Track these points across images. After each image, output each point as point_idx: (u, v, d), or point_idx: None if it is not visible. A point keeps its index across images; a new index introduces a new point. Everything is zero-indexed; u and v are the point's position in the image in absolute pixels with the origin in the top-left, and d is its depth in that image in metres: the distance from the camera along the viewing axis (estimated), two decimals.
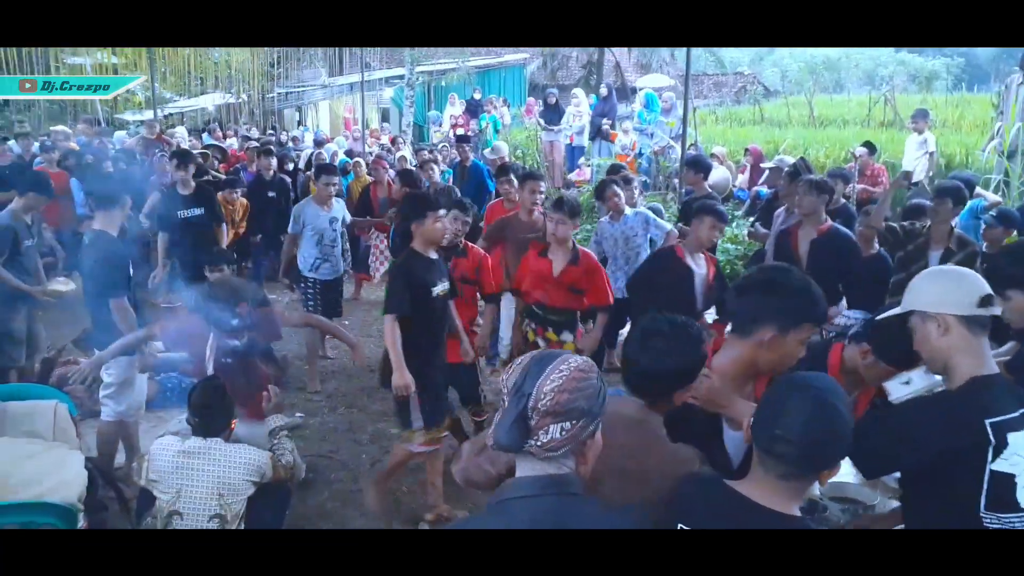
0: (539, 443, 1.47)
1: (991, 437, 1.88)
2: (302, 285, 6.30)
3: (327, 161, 11.21)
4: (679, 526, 1.64)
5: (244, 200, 8.14)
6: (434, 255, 4.11)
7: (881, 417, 2.18)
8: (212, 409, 3.38)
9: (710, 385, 2.02)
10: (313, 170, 7.21)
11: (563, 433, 1.48)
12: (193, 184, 6.58)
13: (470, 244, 4.98)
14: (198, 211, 6.46)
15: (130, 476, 3.56)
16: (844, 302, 5.00)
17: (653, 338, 1.99)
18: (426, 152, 10.74)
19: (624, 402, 2.01)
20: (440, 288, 4.04)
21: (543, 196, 5.57)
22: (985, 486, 1.89)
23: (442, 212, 4.08)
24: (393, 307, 3.85)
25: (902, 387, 2.39)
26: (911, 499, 2.12)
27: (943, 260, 4.70)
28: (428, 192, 6.71)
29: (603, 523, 1.48)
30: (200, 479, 3.23)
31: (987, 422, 1.89)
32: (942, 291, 2.01)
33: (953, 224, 4.97)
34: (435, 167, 8.53)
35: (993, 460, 1.89)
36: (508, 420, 1.47)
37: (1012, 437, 1.89)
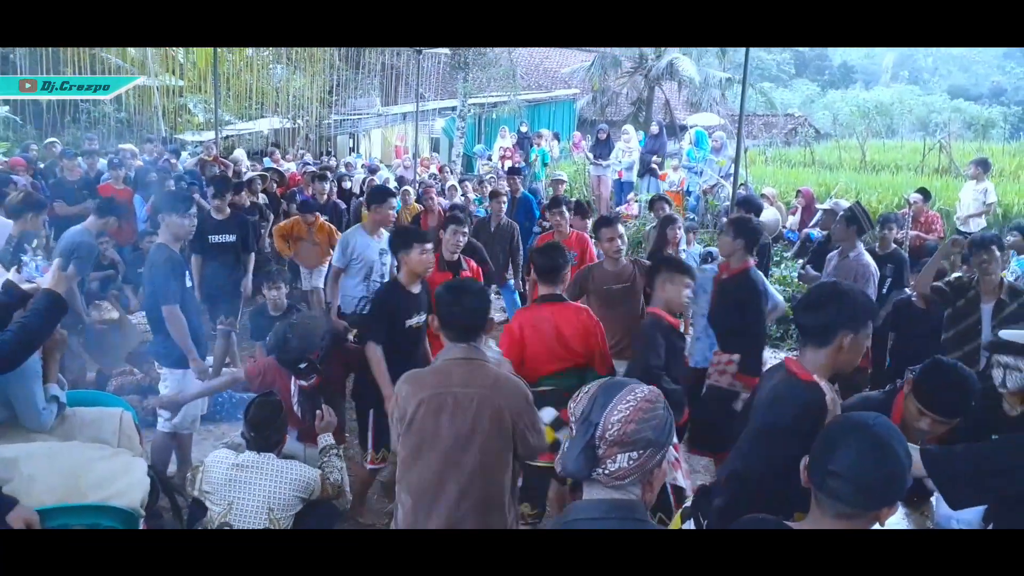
0: (607, 472, 1.52)
1: None
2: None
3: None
4: None
5: (327, 222, 7.82)
6: (416, 289, 4.25)
7: (974, 448, 2.18)
8: (267, 425, 3.46)
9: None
10: (367, 195, 6.73)
11: (631, 462, 1.52)
12: (228, 211, 6.69)
13: (468, 259, 5.31)
14: (230, 237, 6.55)
15: (184, 486, 3.65)
16: None
17: None
18: (497, 185, 10.71)
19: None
20: (415, 321, 4.22)
21: (624, 243, 4.96)
22: None
23: (428, 245, 4.23)
24: (370, 336, 4.07)
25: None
26: (1000, 524, 2.13)
27: (995, 313, 4.58)
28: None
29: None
30: (252, 492, 3.30)
31: None
32: None
33: (1003, 274, 4.82)
34: (505, 200, 8.13)
35: None
36: (576, 448, 1.52)
37: None
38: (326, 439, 3.85)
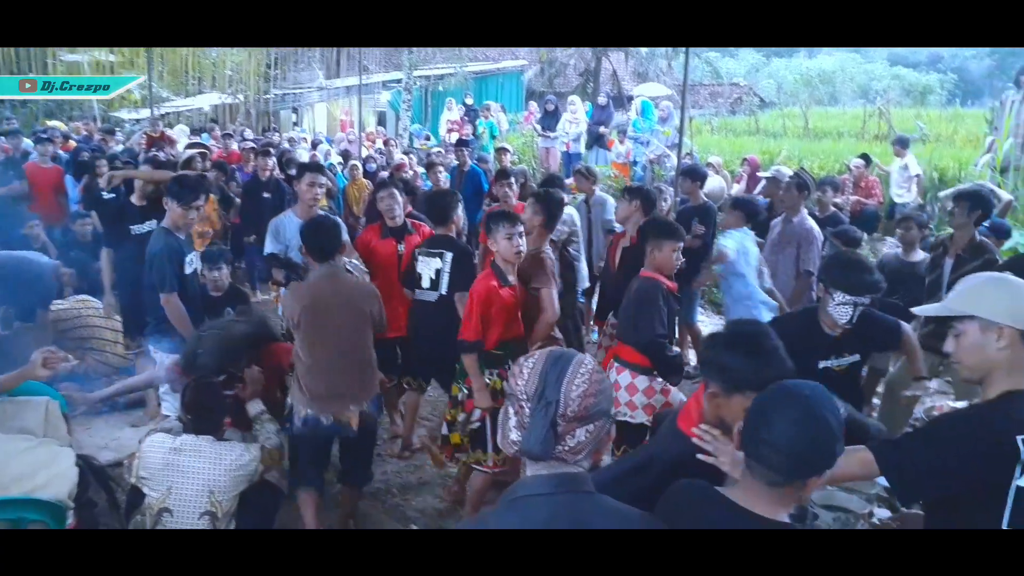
0: (567, 448, 1.49)
1: (1022, 453, 1.86)
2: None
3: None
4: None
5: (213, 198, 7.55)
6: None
7: (914, 438, 2.11)
8: (205, 408, 3.38)
9: None
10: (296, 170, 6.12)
11: (587, 436, 1.50)
12: (147, 196, 5.43)
13: (416, 222, 5.19)
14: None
15: (121, 474, 3.55)
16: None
17: None
18: (434, 156, 10.70)
19: None
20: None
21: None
22: (1010, 503, 1.88)
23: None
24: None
25: None
26: (935, 514, 2.09)
27: (955, 267, 4.66)
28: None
29: (616, 518, 1.49)
30: (191, 476, 3.22)
31: (1019, 438, 1.86)
32: (1009, 302, 1.92)
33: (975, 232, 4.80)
34: (443, 170, 8.56)
35: (1020, 476, 1.88)
36: (540, 430, 1.46)
37: None
38: (256, 406, 3.77)
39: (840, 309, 3.21)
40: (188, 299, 4.37)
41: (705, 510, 1.68)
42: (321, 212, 5.07)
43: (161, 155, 9.80)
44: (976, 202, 4.75)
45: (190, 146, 10.87)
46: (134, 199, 5.44)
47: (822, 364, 3.27)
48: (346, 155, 11.91)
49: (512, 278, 3.94)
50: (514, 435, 1.51)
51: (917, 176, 9.66)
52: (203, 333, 3.84)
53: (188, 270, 4.47)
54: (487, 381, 3.94)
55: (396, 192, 5.11)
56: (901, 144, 10.04)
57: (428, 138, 16.34)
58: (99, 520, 3.40)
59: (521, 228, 3.92)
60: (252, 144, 11.80)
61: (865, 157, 9.57)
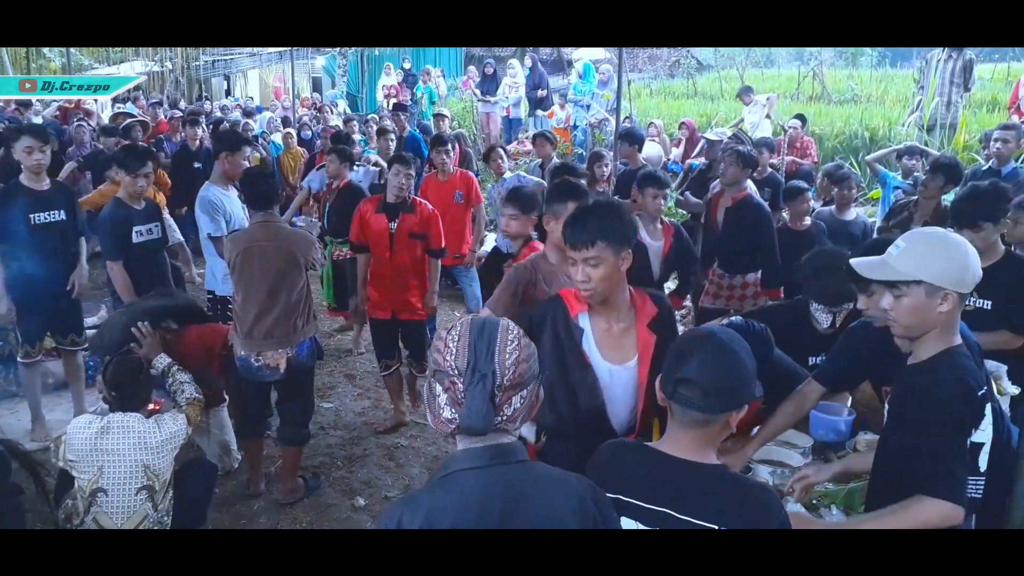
0: (505, 417, 1.46)
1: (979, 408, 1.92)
2: (215, 307, 5.02)
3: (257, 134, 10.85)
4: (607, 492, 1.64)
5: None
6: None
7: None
8: (128, 383, 3.32)
9: None
10: (217, 142, 5.71)
11: (522, 402, 1.48)
12: (48, 181, 4.65)
13: (417, 199, 4.98)
14: (58, 215, 4.59)
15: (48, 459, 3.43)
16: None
17: None
18: (387, 120, 10.41)
19: None
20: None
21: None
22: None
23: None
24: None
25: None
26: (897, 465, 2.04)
27: None
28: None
29: (552, 488, 1.47)
30: (122, 455, 3.16)
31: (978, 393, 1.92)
32: (956, 268, 1.90)
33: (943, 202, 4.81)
34: (393, 138, 8.06)
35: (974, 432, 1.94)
36: (480, 403, 1.41)
37: (987, 408, 1.95)
38: (162, 360, 3.72)
39: (819, 314, 3.15)
40: (142, 267, 4.48)
41: (634, 465, 1.69)
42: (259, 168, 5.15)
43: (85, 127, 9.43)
44: (950, 175, 4.78)
45: (117, 116, 10.45)
46: (27, 182, 4.55)
47: (812, 360, 3.20)
48: (285, 122, 11.58)
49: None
50: (447, 412, 1.46)
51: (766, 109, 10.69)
52: (112, 315, 3.90)
53: (137, 239, 4.52)
54: None
55: (409, 170, 4.82)
56: (746, 92, 11.16)
57: (337, 104, 16.18)
58: (27, 506, 3.29)
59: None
60: (180, 113, 11.36)
61: (801, 118, 9.73)
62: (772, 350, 2.91)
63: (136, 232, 4.51)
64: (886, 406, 2.17)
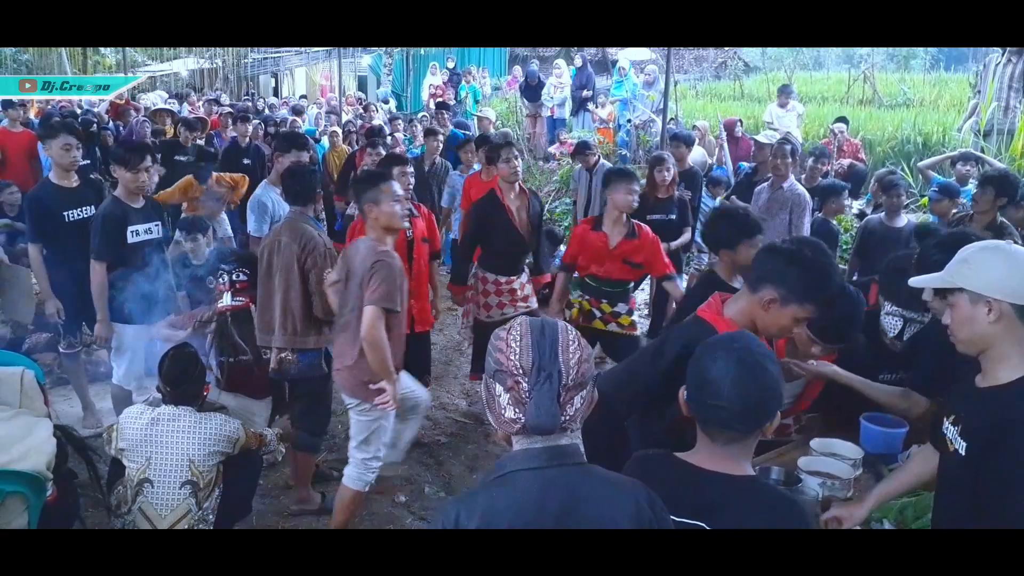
0: (567, 416, 1.45)
1: None
2: None
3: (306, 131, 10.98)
4: None
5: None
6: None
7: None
8: (183, 379, 3.35)
9: None
10: (276, 142, 5.81)
11: (582, 402, 1.47)
12: (76, 177, 4.73)
13: (418, 204, 4.89)
14: (89, 210, 4.63)
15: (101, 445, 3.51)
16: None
17: None
18: (434, 122, 10.48)
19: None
20: None
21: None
22: None
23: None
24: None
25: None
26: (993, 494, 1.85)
27: None
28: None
29: (609, 491, 1.46)
30: (170, 447, 3.22)
31: None
32: (999, 275, 1.77)
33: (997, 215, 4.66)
34: (442, 138, 8.09)
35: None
36: (548, 403, 1.42)
37: None
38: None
39: (889, 320, 2.90)
40: (139, 269, 4.30)
41: (667, 479, 1.67)
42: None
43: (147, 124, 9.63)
44: (1001, 187, 4.62)
45: (157, 112, 10.66)
46: (57, 179, 4.68)
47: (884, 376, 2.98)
48: (331, 116, 11.70)
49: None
50: (510, 412, 1.45)
51: (799, 115, 10.46)
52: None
53: (133, 239, 4.33)
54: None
55: (410, 169, 4.76)
56: (785, 93, 10.85)
57: (387, 101, 16.27)
58: (80, 491, 3.37)
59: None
60: (229, 110, 11.56)
61: (843, 120, 9.59)
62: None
63: (132, 232, 4.31)
64: (948, 425, 2.05)
